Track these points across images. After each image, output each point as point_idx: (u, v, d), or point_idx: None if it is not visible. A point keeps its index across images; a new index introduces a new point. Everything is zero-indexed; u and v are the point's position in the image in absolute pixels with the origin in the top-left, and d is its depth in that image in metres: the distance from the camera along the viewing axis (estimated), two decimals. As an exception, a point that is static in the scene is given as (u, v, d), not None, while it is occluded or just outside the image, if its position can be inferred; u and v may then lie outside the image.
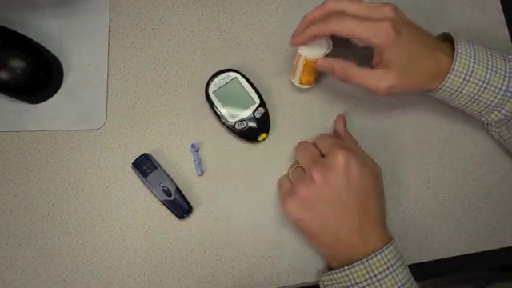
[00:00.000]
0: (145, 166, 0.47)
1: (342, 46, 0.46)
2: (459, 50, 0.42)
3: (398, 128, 0.51)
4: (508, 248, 0.49)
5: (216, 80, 0.49)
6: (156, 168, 0.47)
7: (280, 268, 0.47)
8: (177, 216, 0.47)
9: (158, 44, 0.53)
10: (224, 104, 0.49)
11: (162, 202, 0.47)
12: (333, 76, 0.45)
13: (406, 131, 0.51)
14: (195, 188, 0.49)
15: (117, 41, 0.52)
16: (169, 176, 0.48)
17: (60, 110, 0.50)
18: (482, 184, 0.50)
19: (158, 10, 0.54)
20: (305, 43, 0.45)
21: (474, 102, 0.44)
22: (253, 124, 0.49)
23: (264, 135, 0.49)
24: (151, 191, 0.47)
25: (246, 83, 0.49)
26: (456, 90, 0.43)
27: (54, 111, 0.50)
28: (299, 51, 0.46)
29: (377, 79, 0.42)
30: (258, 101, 0.49)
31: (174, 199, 0.47)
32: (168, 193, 0.47)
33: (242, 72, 0.50)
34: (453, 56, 0.42)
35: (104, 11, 0.53)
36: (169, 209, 0.47)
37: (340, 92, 0.52)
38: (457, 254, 0.49)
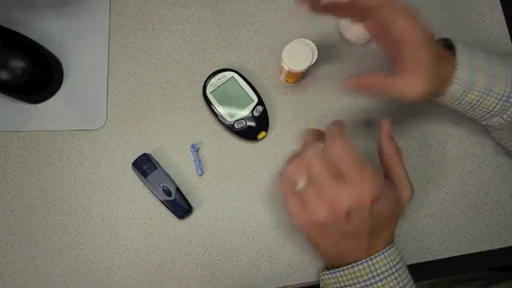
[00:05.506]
0: (145, 165, 0.47)
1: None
2: (460, 59, 0.42)
3: (398, 128, 0.51)
4: (508, 248, 0.49)
5: (213, 80, 0.49)
6: (156, 168, 0.47)
7: (280, 268, 0.47)
8: (177, 216, 0.47)
9: (157, 44, 0.53)
10: (222, 104, 0.49)
11: (162, 201, 0.47)
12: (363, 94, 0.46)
13: (406, 132, 0.51)
14: (195, 188, 0.49)
15: (117, 41, 0.52)
16: (169, 176, 0.48)
17: (60, 109, 0.50)
18: (482, 184, 0.50)
19: (158, 10, 0.54)
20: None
21: (476, 109, 0.44)
22: (252, 123, 0.49)
23: (263, 133, 0.49)
24: (151, 191, 0.47)
25: (244, 82, 0.49)
26: (457, 99, 0.43)
27: (54, 111, 0.50)
28: (282, 63, 0.46)
29: (407, 85, 0.41)
30: (256, 99, 0.49)
31: (174, 199, 0.47)
32: (168, 193, 0.47)
33: (241, 72, 0.50)
34: (453, 65, 0.42)
35: (104, 11, 0.53)
36: (169, 209, 0.47)
37: (340, 90, 0.52)
38: (457, 254, 0.49)
